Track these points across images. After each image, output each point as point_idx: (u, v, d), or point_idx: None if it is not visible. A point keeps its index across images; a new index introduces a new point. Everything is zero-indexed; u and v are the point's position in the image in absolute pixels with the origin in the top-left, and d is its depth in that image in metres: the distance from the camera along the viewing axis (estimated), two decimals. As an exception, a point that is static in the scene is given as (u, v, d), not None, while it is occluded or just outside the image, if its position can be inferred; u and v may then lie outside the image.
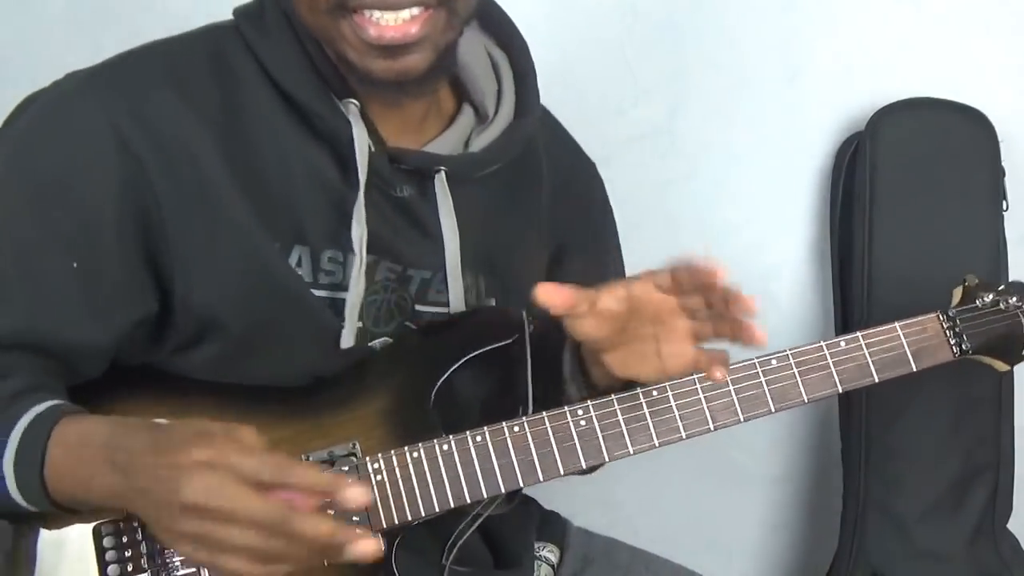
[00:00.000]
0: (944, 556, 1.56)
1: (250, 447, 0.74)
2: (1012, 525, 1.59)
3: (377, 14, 0.85)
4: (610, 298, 0.87)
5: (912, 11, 1.59)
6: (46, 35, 1.41)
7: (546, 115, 1.12)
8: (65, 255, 0.87)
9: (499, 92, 1.03)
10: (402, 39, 0.86)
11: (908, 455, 1.55)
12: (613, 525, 1.24)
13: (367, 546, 0.73)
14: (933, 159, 1.55)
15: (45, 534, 0.89)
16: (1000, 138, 1.56)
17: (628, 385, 0.95)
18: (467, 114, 1.02)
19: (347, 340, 0.94)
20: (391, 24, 0.85)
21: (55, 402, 0.85)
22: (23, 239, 0.87)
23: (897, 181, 1.54)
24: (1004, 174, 1.56)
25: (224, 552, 0.73)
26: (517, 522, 1.08)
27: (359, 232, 0.92)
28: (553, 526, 1.19)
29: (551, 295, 0.84)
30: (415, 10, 0.86)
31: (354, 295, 0.93)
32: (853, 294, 1.57)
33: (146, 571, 0.88)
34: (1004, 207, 1.56)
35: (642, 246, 1.59)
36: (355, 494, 0.74)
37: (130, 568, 0.88)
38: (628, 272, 1.10)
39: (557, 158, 1.11)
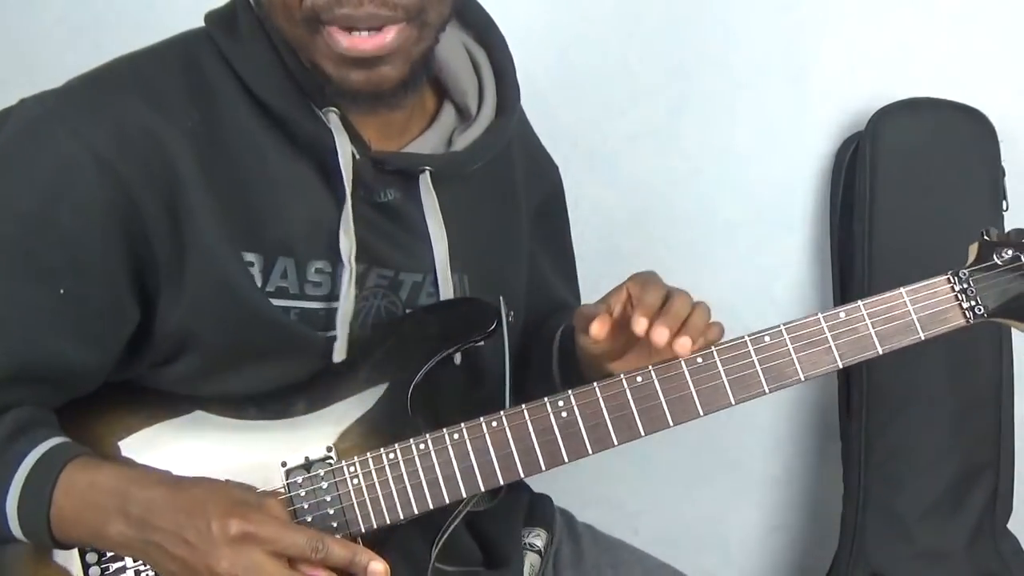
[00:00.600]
0: (944, 556, 1.56)
1: (284, 522, 0.80)
2: (1012, 525, 1.59)
3: (348, 26, 0.85)
4: (604, 311, 0.93)
5: (913, 11, 1.59)
6: (46, 35, 1.41)
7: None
8: (52, 283, 0.86)
9: (480, 89, 1.02)
10: (375, 51, 0.86)
11: (908, 455, 1.54)
12: (613, 525, 1.24)
13: (377, 565, 0.82)
14: (933, 159, 1.55)
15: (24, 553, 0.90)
16: (1000, 138, 1.56)
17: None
18: (448, 112, 1.02)
19: (339, 354, 0.93)
20: (364, 36, 0.85)
21: (57, 441, 0.86)
22: (7, 270, 0.86)
23: (897, 181, 1.54)
24: (1004, 174, 1.56)
25: None
26: (505, 515, 1.08)
27: (348, 245, 0.91)
28: (542, 509, 1.17)
29: (596, 327, 0.91)
30: (388, 25, 0.86)
31: (345, 310, 0.92)
32: (853, 294, 1.57)
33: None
34: (1004, 207, 1.56)
35: (642, 246, 1.60)
36: (378, 571, 0.81)
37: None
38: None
39: (529, 156, 1.13)
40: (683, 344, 0.88)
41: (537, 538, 1.14)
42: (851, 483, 1.58)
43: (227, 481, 0.82)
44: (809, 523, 1.79)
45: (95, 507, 0.83)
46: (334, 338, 0.93)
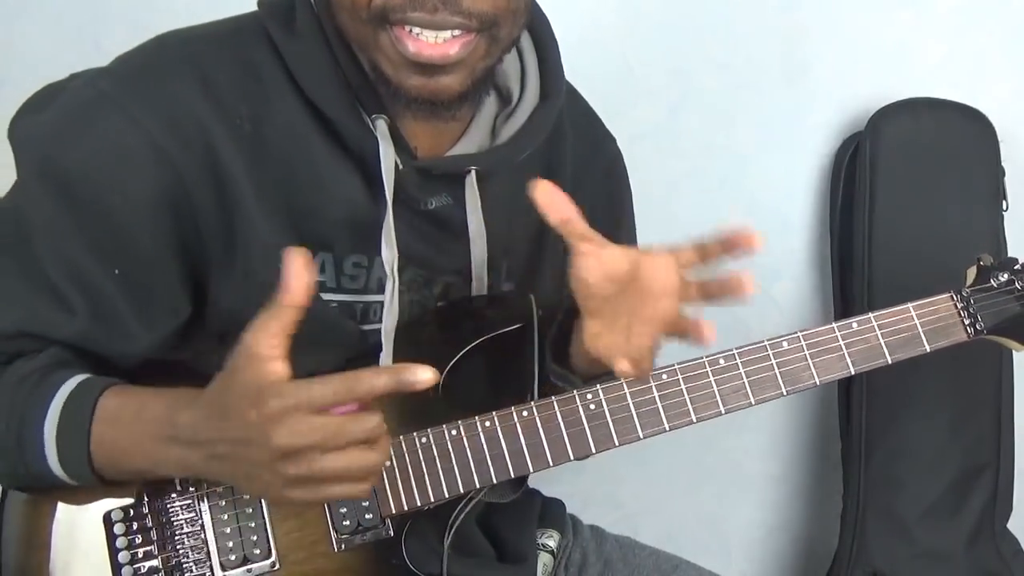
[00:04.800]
0: (944, 556, 1.56)
1: (309, 382, 0.76)
2: (1012, 525, 1.59)
3: (417, 29, 0.83)
4: (620, 252, 0.84)
5: (912, 11, 1.59)
6: (46, 34, 1.41)
7: (568, 86, 1.08)
8: (107, 264, 0.86)
9: (523, 72, 0.99)
10: (439, 59, 0.83)
11: (908, 455, 1.55)
12: (614, 525, 1.25)
13: (424, 373, 0.76)
14: (933, 159, 1.55)
15: (59, 518, 0.90)
16: (1000, 138, 1.56)
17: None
18: (490, 100, 0.99)
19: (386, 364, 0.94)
20: (430, 42, 0.83)
21: (89, 375, 0.86)
22: (66, 247, 0.86)
23: (897, 181, 1.55)
24: (1004, 174, 1.56)
25: (328, 482, 0.77)
26: (519, 515, 1.09)
27: (390, 257, 0.91)
28: (554, 511, 1.19)
29: (547, 193, 0.81)
30: (456, 31, 0.83)
31: (389, 322, 0.93)
32: (853, 294, 1.57)
33: (156, 557, 0.90)
34: (1004, 207, 1.56)
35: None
36: (425, 376, 0.75)
37: (140, 554, 0.90)
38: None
39: (581, 131, 1.09)
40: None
41: (550, 539, 1.16)
42: (851, 483, 1.58)
43: (232, 366, 0.79)
44: (809, 523, 1.79)
45: (146, 436, 0.83)
46: (370, 331, 0.95)
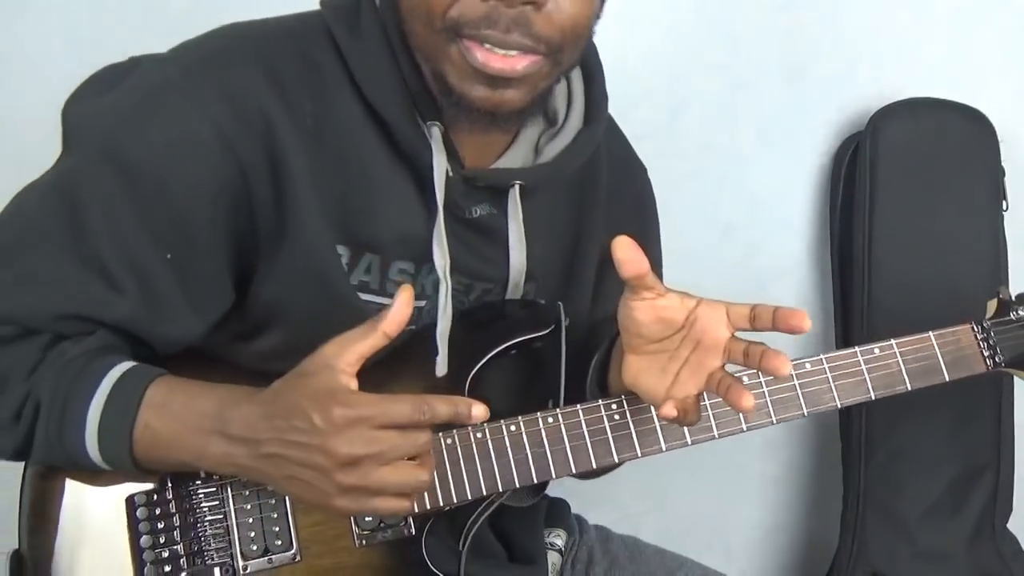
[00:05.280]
0: (944, 556, 1.56)
1: (381, 396, 0.80)
2: (1012, 525, 1.59)
3: (488, 45, 0.85)
4: (677, 300, 0.86)
5: (912, 11, 1.59)
6: (46, 33, 1.41)
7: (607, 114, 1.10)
8: (161, 248, 0.87)
9: (569, 95, 1.01)
10: (508, 72, 0.85)
11: (908, 455, 1.55)
12: (615, 525, 1.25)
13: (477, 409, 0.81)
14: (933, 159, 1.55)
15: (69, 497, 0.91)
16: (1000, 138, 1.56)
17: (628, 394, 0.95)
18: (535, 119, 1.01)
19: (441, 368, 0.95)
20: (499, 54, 0.85)
21: (138, 363, 0.87)
22: (121, 229, 0.86)
23: (897, 181, 1.55)
24: (1004, 174, 1.57)
25: (377, 495, 0.80)
26: (528, 516, 1.09)
27: (442, 261, 0.93)
28: (560, 511, 1.21)
29: (628, 250, 0.83)
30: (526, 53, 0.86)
31: (443, 325, 0.94)
32: (853, 294, 1.57)
33: (178, 543, 0.91)
34: (1004, 207, 1.56)
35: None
36: (477, 412, 0.81)
37: (162, 539, 0.90)
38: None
39: (616, 158, 1.11)
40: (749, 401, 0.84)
41: (557, 538, 1.18)
42: (851, 483, 1.58)
43: (304, 370, 0.82)
44: (809, 523, 1.79)
45: (193, 429, 0.84)
46: (406, 335, 0.94)
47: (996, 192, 1.56)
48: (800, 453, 1.76)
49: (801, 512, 1.79)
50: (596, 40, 0.97)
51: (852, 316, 1.57)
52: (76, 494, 0.91)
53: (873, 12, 1.58)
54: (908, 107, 1.55)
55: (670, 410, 0.84)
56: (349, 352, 0.80)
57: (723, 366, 0.85)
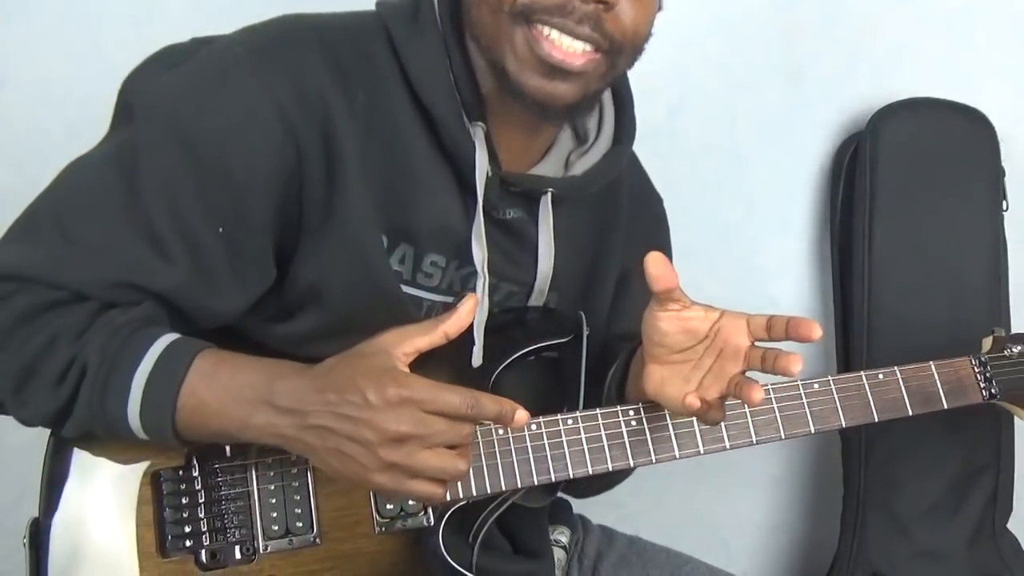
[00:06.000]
0: (944, 556, 1.56)
1: (435, 383, 0.83)
2: (1012, 525, 1.59)
3: (555, 34, 0.89)
4: (702, 312, 0.91)
5: (912, 11, 1.59)
6: (45, 35, 1.41)
7: None
8: (214, 222, 0.88)
9: (600, 116, 1.06)
10: (567, 65, 0.89)
11: (908, 455, 1.55)
12: (615, 525, 1.25)
13: (521, 415, 0.86)
14: (933, 159, 1.55)
15: (81, 469, 0.91)
16: (1000, 138, 1.56)
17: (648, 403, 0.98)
18: (567, 135, 1.06)
19: (477, 359, 0.97)
20: (563, 47, 0.89)
21: (184, 336, 0.88)
22: (177, 201, 0.87)
23: (897, 181, 1.55)
24: (1004, 174, 1.57)
25: (416, 477, 0.83)
26: (533, 514, 1.11)
27: (480, 256, 0.96)
28: (562, 510, 1.24)
29: (660, 266, 0.87)
30: (588, 46, 0.90)
31: (481, 317, 0.96)
32: (852, 294, 1.57)
33: (200, 520, 0.92)
34: (1004, 207, 1.56)
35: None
36: (520, 418, 0.85)
37: (186, 515, 0.92)
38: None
39: (635, 186, 1.16)
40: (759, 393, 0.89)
41: (562, 535, 1.21)
42: (851, 483, 1.58)
43: (361, 351, 0.85)
44: (809, 523, 1.79)
45: (240, 399, 0.85)
46: None
47: (996, 192, 1.56)
48: (800, 453, 1.76)
49: (801, 512, 1.79)
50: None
51: (851, 316, 1.58)
52: (90, 466, 0.91)
53: (873, 12, 1.59)
54: (908, 107, 1.55)
55: (694, 400, 0.90)
56: (408, 343, 0.84)
57: (743, 372, 0.90)
